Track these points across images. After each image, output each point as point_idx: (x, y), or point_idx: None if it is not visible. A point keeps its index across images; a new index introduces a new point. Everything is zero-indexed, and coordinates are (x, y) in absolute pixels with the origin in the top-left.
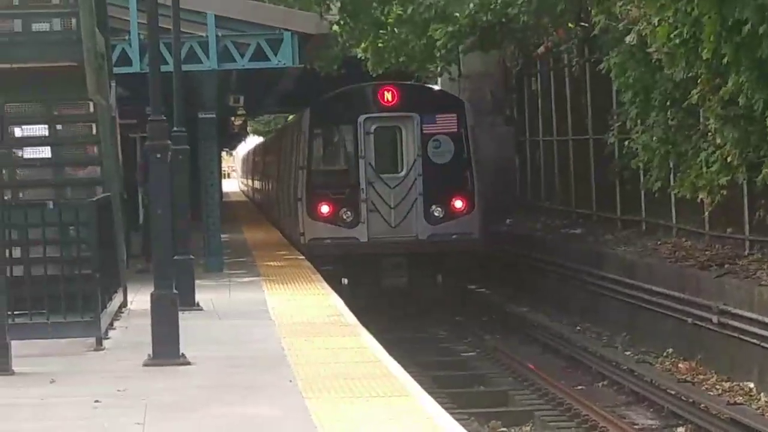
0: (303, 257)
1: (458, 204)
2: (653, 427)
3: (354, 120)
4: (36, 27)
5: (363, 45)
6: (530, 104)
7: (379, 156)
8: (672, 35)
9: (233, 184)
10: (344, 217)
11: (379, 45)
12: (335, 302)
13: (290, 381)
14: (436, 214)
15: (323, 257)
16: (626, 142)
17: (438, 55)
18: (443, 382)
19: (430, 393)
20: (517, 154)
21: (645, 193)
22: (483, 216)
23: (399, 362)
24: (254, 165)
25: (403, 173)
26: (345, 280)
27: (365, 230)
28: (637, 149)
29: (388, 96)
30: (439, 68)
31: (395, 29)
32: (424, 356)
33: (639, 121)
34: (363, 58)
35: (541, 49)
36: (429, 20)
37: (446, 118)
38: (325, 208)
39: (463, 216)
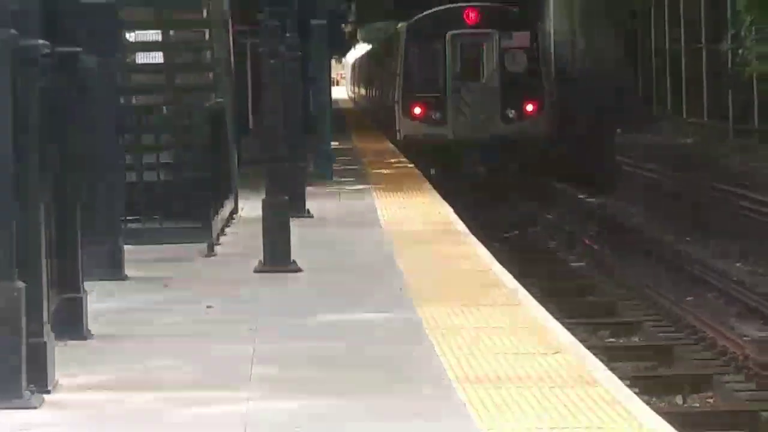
0: (412, 165)
1: (529, 107)
2: (764, 339)
3: (443, 36)
4: None
5: None
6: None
7: (463, 66)
8: None
9: (342, 91)
10: (433, 117)
11: None
12: (446, 210)
13: (400, 289)
14: (510, 115)
15: (415, 150)
16: (740, 51)
17: None
18: (552, 291)
19: (539, 302)
20: (632, 61)
21: (759, 102)
22: (552, 117)
23: (509, 271)
24: (361, 73)
25: (483, 81)
26: (432, 171)
27: (451, 128)
28: (751, 58)
29: (472, 15)
30: None
31: None
32: (534, 267)
33: (754, 30)
34: None
35: None
36: None
37: (521, 36)
38: (417, 110)
39: (534, 117)
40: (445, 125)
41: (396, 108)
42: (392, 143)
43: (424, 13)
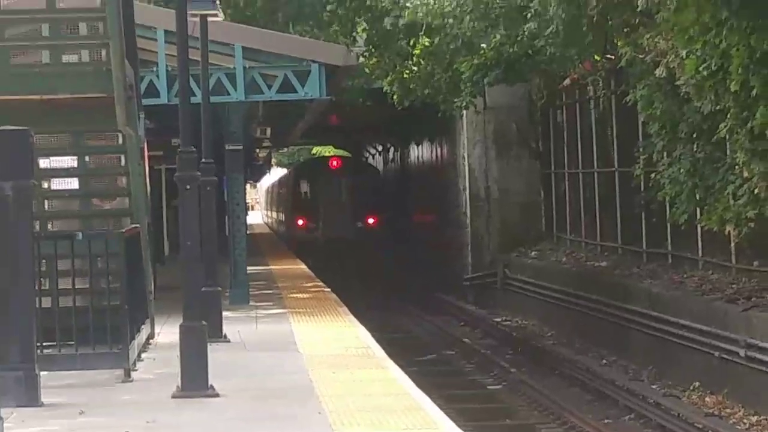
0: (329, 290)
1: (371, 220)
2: None
3: (318, 175)
4: (66, 59)
5: (388, 78)
6: (556, 137)
7: (332, 195)
8: (700, 67)
9: (257, 216)
10: (310, 226)
11: (405, 77)
12: (362, 334)
13: (319, 413)
14: (359, 224)
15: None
16: (653, 175)
17: (463, 87)
18: (470, 414)
19: (457, 425)
20: (542, 186)
21: (671, 225)
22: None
23: (427, 394)
24: (273, 197)
25: (342, 201)
26: (310, 261)
27: (321, 232)
28: (663, 182)
29: (335, 163)
30: (464, 102)
31: (421, 61)
32: (451, 389)
33: (666, 154)
34: (389, 90)
35: (567, 81)
36: (455, 52)
37: (368, 175)
38: (300, 221)
39: (375, 227)
40: (318, 230)
41: (287, 220)
42: (287, 243)
43: (304, 160)
